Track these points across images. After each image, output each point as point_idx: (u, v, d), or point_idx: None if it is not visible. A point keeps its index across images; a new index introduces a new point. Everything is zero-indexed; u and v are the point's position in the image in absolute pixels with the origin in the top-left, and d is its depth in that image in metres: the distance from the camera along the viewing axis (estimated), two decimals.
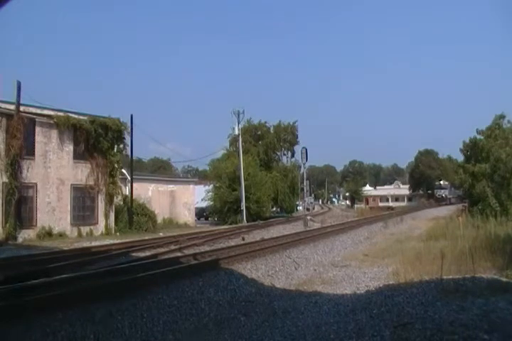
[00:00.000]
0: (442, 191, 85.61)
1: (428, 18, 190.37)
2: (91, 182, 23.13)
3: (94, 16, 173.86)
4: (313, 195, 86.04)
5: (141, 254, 13.42)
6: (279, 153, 50.53)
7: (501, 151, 25.38)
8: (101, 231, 23.22)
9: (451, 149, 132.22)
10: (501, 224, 17.04)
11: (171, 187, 34.51)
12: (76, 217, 22.46)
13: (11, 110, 19.78)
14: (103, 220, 23.61)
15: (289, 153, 51.50)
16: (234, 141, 41.43)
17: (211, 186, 36.82)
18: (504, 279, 7.94)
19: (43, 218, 20.93)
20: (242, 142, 37.14)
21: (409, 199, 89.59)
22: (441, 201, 77.91)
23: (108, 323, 6.25)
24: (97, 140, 23.06)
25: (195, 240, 17.05)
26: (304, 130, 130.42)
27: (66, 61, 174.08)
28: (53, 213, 21.43)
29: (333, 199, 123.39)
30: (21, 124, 19.84)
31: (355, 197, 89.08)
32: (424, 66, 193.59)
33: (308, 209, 42.82)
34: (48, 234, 20.63)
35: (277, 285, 9.69)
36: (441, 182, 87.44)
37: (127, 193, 27.02)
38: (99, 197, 23.53)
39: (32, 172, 20.73)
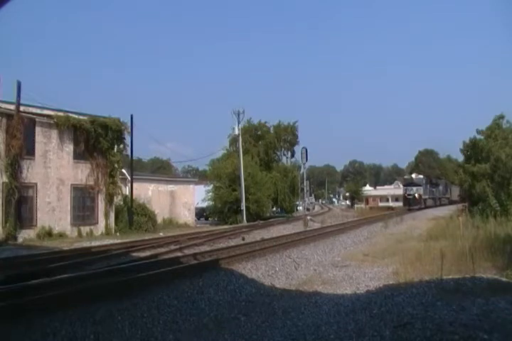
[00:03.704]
0: (415, 189, 54.50)
1: (429, 19, 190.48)
2: (91, 182, 23.16)
3: (95, 16, 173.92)
4: (313, 195, 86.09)
5: (141, 254, 13.42)
6: (279, 153, 50.68)
7: (501, 151, 25.38)
8: (101, 231, 23.24)
9: (451, 149, 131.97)
10: (501, 224, 16.99)
11: (171, 187, 34.49)
12: (76, 217, 22.48)
13: (11, 110, 19.79)
14: (103, 220, 23.63)
15: (289, 153, 51.69)
16: (234, 141, 41.49)
17: (211, 186, 36.85)
18: (504, 279, 7.93)
19: (43, 218, 20.94)
20: (242, 142, 37.20)
21: None
22: (412, 203, 52.01)
23: (108, 323, 6.26)
24: (97, 140, 23.08)
25: (195, 240, 17.06)
26: (304, 130, 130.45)
27: (66, 61, 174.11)
28: (53, 213, 21.43)
29: (333, 199, 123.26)
30: (21, 124, 19.85)
31: (355, 197, 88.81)
32: (424, 67, 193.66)
33: (308, 209, 42.94)
34: (48, 234, 20.65)
35: (277, 285, 9.68)
36: (413, 175, 61.49)
37: (127, 193, 27.02)
38: (99, 197, 23.55)
39: (32, 172, 20.73)
